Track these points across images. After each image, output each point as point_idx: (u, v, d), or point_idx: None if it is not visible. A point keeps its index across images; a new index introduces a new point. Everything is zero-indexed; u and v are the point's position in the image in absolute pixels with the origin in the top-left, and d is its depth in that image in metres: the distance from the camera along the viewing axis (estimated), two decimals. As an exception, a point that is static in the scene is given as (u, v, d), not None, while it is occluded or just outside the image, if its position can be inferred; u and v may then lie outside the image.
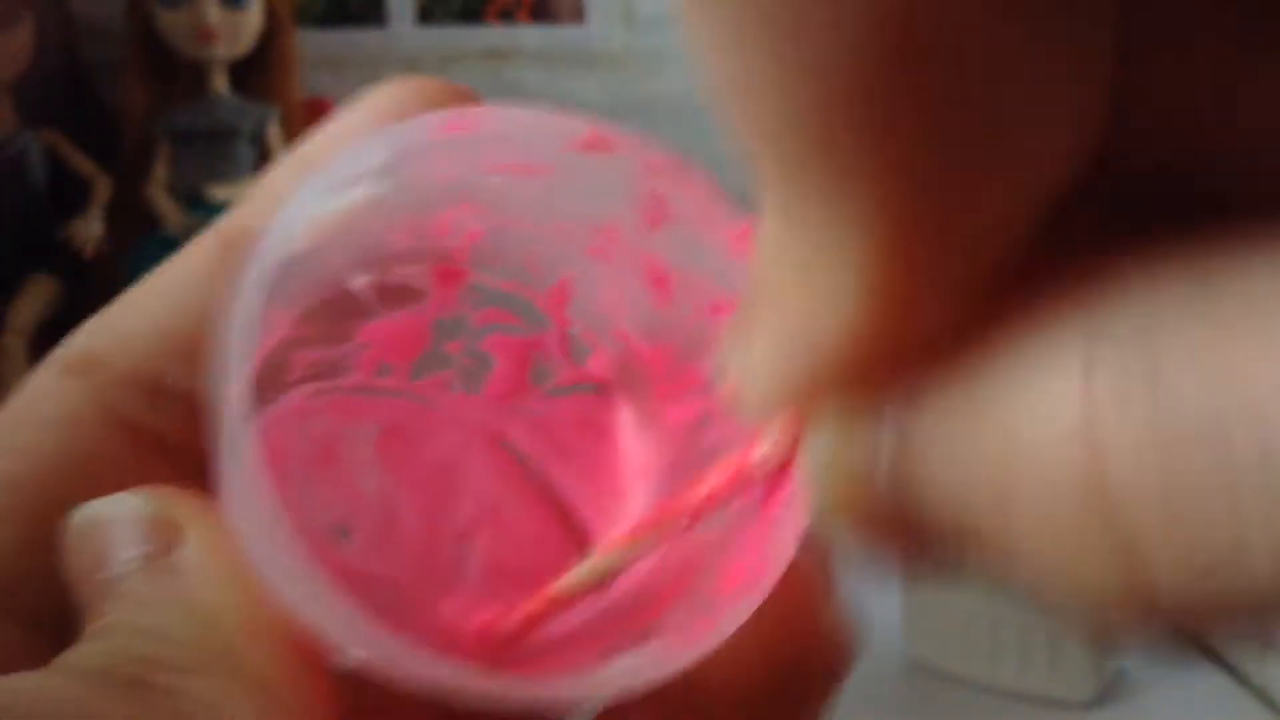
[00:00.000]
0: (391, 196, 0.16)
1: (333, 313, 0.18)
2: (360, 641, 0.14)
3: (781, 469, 0.14)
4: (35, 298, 1.12)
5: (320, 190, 0.16)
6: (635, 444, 0.19)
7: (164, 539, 0.15)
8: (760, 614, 0.15)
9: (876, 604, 0.80)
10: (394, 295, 0.18)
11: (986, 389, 0.10)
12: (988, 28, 0.09)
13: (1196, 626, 0.10)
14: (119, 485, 0.16)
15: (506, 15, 1.31)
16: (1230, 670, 0.75)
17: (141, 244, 1.13)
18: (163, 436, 0.17)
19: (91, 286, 1.15)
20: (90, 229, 1.13)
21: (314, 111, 1.23)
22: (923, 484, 0.11)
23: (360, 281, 0.18)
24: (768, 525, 0.16)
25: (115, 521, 0.15)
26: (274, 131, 1.16)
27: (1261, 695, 0.72)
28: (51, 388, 0.17)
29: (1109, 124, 0.10)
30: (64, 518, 0.16)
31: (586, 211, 0.17)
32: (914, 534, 0.11)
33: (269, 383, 0.17)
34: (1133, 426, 0.09)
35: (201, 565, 0.15)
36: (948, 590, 0.72)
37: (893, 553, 0.12)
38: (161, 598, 0.15)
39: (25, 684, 0.14)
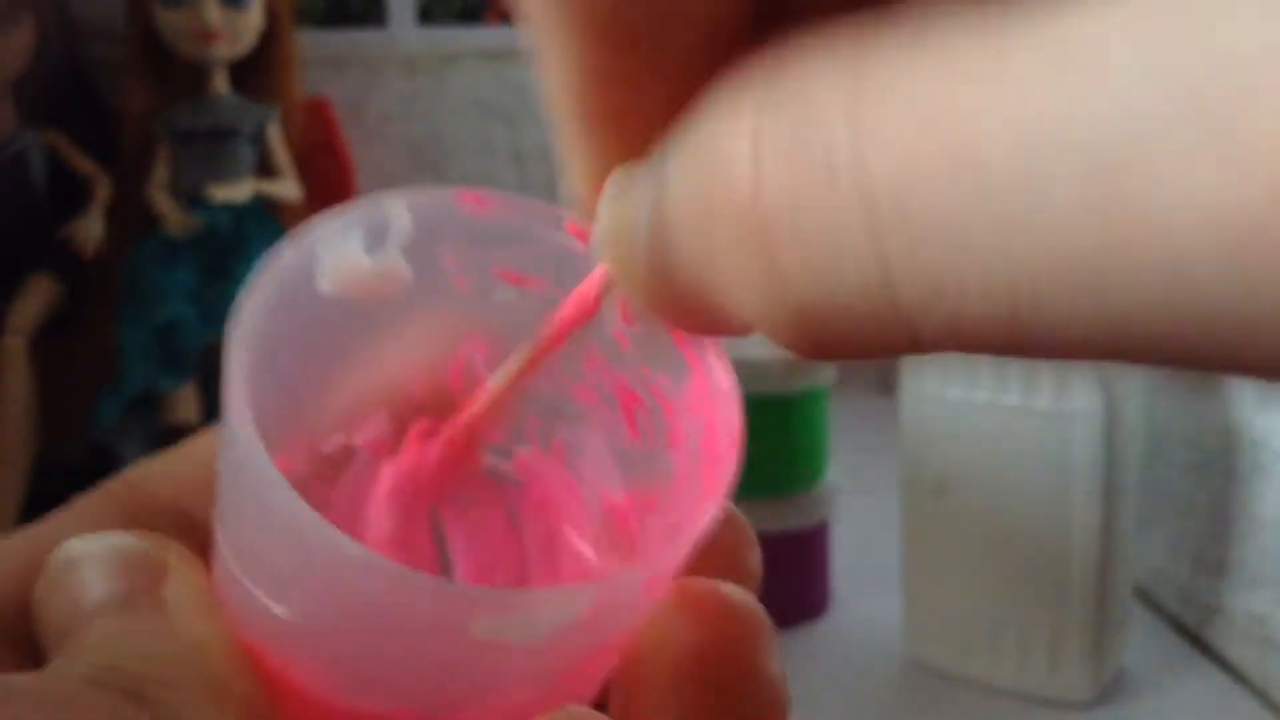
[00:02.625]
0: (411, 293, 0.17)
1: (345, 455, 0.18)
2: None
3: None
4: (35, 298, 1.12)
5: (345, 233, 0.16)
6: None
7: (148, 574, 0.16)
8: (700, 644, 0.16)
9: (876, 604, 0.80)
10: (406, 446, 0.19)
11: (693, 147, 0.13)
12: None
13: (830, 346, 0.12)
14: None
15: (506, 15, 1.31)
16: (1230, 670, 0.75)
17: (141, 244, 1.13)
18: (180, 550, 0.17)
19: (91, 286, 1.15)
20: (90, 229, 1.14)
21: (314, 111, 1.23)
22: (665, 235, 0.13)
23: (375, 427, 0.18)
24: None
25: (96, 555, 0.16)
26: (274, 131, 1.16)
27: (1261, 695, 0.72)
28: (87, 501, 0.18)
29: None
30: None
31: (577, 335, 0.18)
32: (670, 286, 0.14)
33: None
34: (778, 156, 0.11)
35: (188, 600, 0.16)
36: (948, 590, 0.73)
37: (665, 315, 0.14)
38: (142, 627, 0.15)
39: (21, 680, 0.14)
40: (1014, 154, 0.10)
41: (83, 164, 1.15)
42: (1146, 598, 0.84)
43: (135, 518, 0.17)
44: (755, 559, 0.18)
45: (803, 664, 0.75)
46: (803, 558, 0.80)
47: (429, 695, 0.15)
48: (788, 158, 0.11)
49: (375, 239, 0.17)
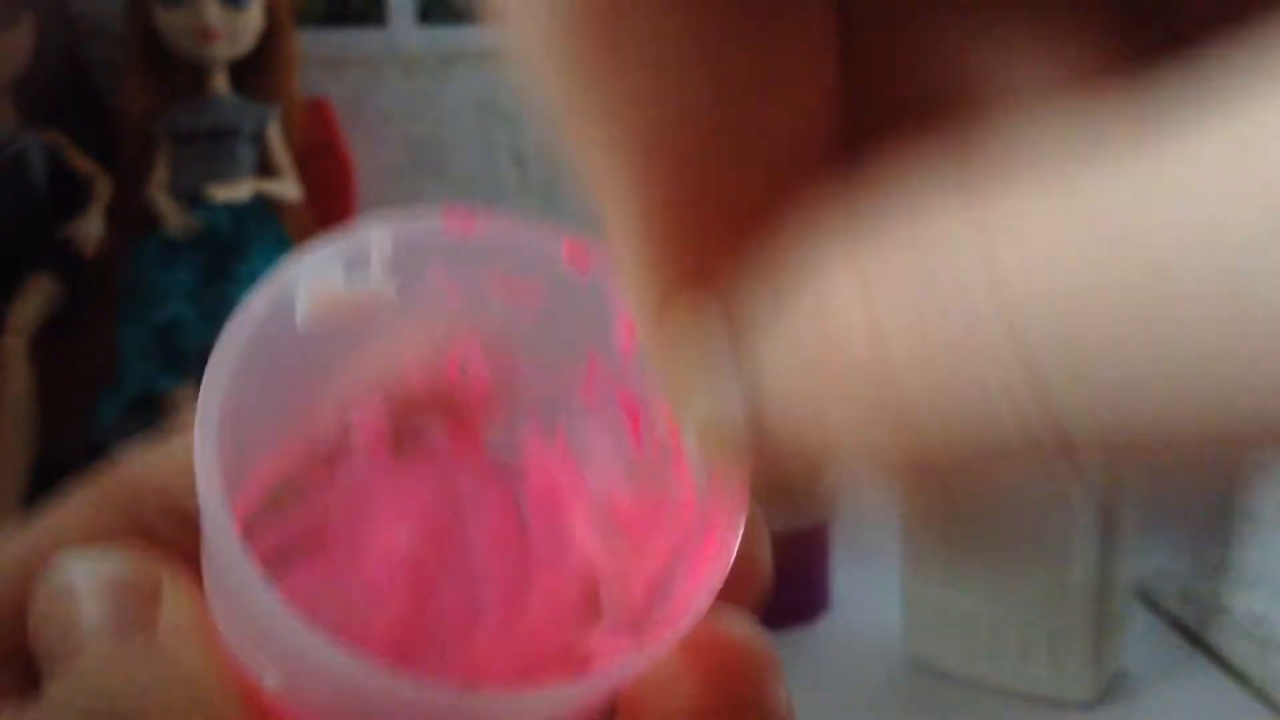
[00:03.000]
0: (400, 306, 0.17)
1: (340, 448, 0.18)
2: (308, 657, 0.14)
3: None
4: (35, 298, 1.12)
5: (325, 262, 0.16)
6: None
7: (142, 598, 0.16)
8: (705, 684, 0.16)
9: (876, 604, 0.80)
10: (408, 444, 0.19)
11: (788, 305, 0.11)
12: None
13: (964, 491, 0.11)
14: None
15: (506, 15, 1.31)
16: (1230, 670, 0.75)
17: (141, 244, 1.13)
18: (176, 548, 0.17)
19: (91, 286, 1.15)
20: (90, 229, 1.13)
21: (314, 111, 1.23)
22: (769, 407, 0.12)
23: (376, 419, 0.18)
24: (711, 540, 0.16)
25: (91, 577, 0.16)
26: (274, 131, 1.16)
27: (1261, 695, 0.72)
28: (83, 496, 0.18)
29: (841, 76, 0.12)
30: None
31: (576, 344, 0.18)
32: (778, 461, 0.12)
33: (281, 502, 0.18)
34: (899, 307, 0.10)
35: (181, 625, 0.16)
36: (948, 590, 0.72)
37: (770, 490, 0.13)
38: (136, 657, 0.15)
39: (10, 717, 0.14)
40: (1207, 269, 0.08)
41: (83, 164, 1.15)
42: (1146, 598, 0.84)
43: (131, 515, 0.17)
44: (765, 552, 0.18)
45: (803, 664, 0.75)
46: (803, 558, 0.80)
47: None
48: (909, 301, 0.10)
49: (355, 266, 0.17)
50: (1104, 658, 0.70)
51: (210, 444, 0.15)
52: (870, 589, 0.82)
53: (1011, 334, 0.09)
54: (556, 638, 0.18)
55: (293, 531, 0.18)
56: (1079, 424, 0.09)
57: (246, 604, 0.14)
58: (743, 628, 0.16)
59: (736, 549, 0.15)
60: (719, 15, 0.11)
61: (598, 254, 0.17)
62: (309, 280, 0.16)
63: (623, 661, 0.15)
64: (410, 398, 0.18)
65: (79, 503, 0.17)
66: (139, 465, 0.18)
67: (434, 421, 0.19)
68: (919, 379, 0.10)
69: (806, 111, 0.12)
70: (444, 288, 0.17)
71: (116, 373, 1.11)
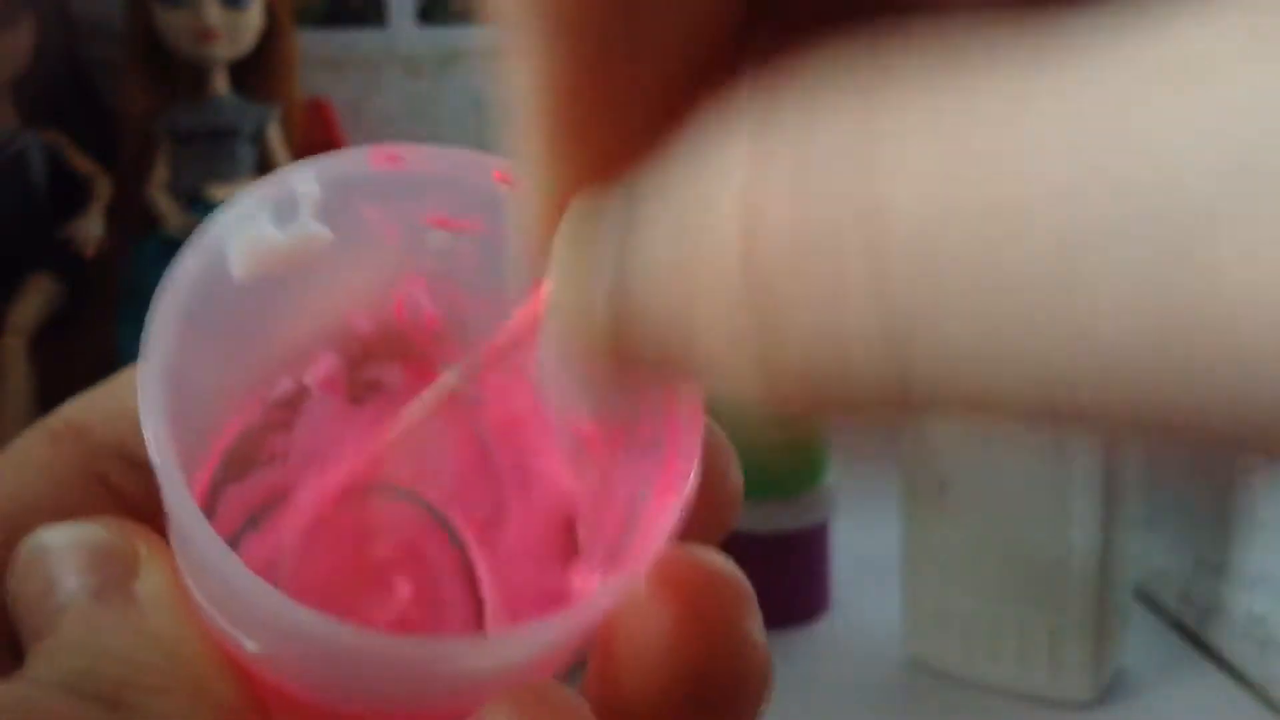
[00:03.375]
0: (337, 248, 0.17)
1: (295, 399, 0.18)
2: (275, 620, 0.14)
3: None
4: (35, 298, 1.12)
5: (252, 211, 0.16)
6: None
7: (116, 567, 0.16)
8: (681, 616, 0.15)
9: (876, 604, 0.80)
10: (364, 389, 0.18)
11: (671, 190, 0.11)
12: None
13: (817, 411, 0.11)
14: None
15: (506, 15, 1.31)
16: (1230, 670, 0.75)
17: (141, 244, 1.13)
18: (141, 503, 0.17)
19: (91, 286, 1.15)
20: (90, 229, 1.13)
21: (314, 111, 1.23)
22: (632, 288, 0.12)
23: (329, 367, 0.18)
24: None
25: (66, 548, 0.16)
26: (274, 131, 1.15)
27: (1261, 695, 0.72)
28: (39, 447, 0.17)
29: None
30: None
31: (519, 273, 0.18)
32: (630, 341, 0.12)
33: (241, 455, 0.18)
34: (778, 207, 0.10)
35: (160, 594, 0.16)
36: (948, 590, 0.72)
37: (619, 365, 0.13)
38: (116, 623, 0.15)
39: None
40: (1060, 215, 0.08)
41: (83, 164, 1.15)
42: (1146, 598, 0.84)
43: (94, 472, 0.17)
44: (735, 473, 0.17)
45: (803, 664, 0.75)
46: (803, 558, 0.80)
47: (409, 705, 0.15)
48: (788, 210, 0.10)
49: (285, 213, 0.16)
50: (1104, 658, 0.70)
51: (159, 415, 0.14)
52: (870, 589, 0.82)
53: (873, 262, 0.09)
54: (534, 574, 0.18)
55: (258, 489, 0.18)
56: (920, 369, 0.09)
57: (214, 574, 0.14)
58: (714, 558, 0.16)
59: (699, 471, 0.15)
60: None
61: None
62: (239, 231, 0.16)
63: (592, 598, 0.15)
64: (360, 342, 0.18)
65: (39, 462, 0.17)
66: (92, 416, 0.18)
67: (387, 364, 0.18)
68: (782, 289, 0.10)
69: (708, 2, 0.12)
70: (380, 225, 0.17)
71: (116, 372, 1.11)
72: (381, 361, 0.18)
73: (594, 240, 0.12)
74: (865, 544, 0.85)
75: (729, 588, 0.16)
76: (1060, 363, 0.08)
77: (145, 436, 0.14)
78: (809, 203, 0.10)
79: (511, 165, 0.16)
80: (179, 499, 0.14)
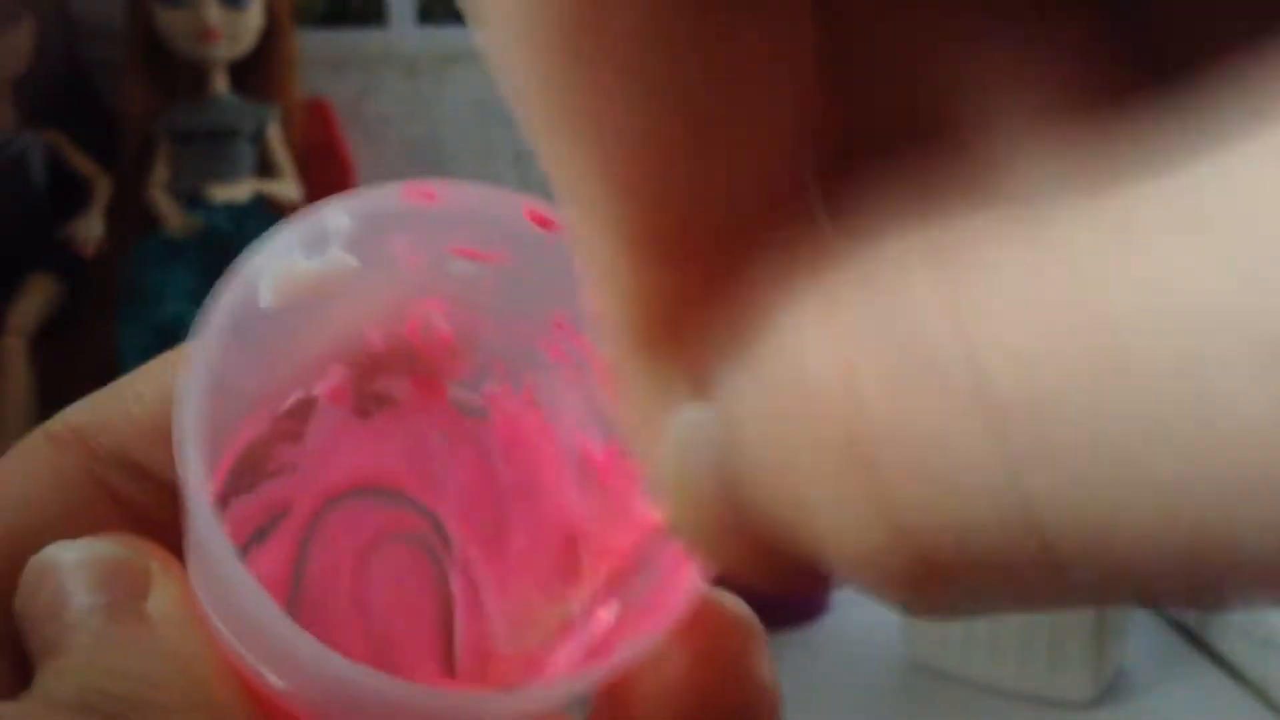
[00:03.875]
0: (362, 274, 0.17)
1: (304, 410, 0.18)
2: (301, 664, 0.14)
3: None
4: (35, 298, 1.12)
5: (286, 247, 0.16)
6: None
7: (128, 585, 0.16)
8: (695, 659, 0.16)
9: (876, 604, 0.80)
10: (373, 402, 0.19)
11: (758, 356, 0.10)
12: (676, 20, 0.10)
13: (967, 597, 0.10)
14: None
15: (506, 15, 1.31)
16: (1230, 670, 0.75)
17: (141, 244, 1.13)
18: (146, 510, 0.17)
19: (91, 286, 1.15)
20: (90, 229, 1.14)
21: (314, 112, 1.23)
22: (738, 475, 0.11)
23: (337, 379, 0.18)
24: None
25: (77, 565, 0.16)
26: (274, 131, 1.16)
27: (1261, 695, 0.72)
28: (42, 453, 0.17)
29: (820, 90, 0.11)
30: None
31: (541, 303, 0.18)
32: (750, 533, 0.11)
33: (249, 469, 0.18)
34: (880, 367, 0.09)
35: (172, 612, 0.15)
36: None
37: (745, 566, 0.12)
38: (128, 641, 0.15)
39: (7, 711, 0.14)
40: (1162, 340, 0.08)
41: (83, 164, 1.15)
42: (1146, 598, 0.84)
43: (95, 479, 0.17)
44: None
45: (803, 664, 0.75)
46: (803, 558, 0.80)
47: None
48: (887, 368, 0.09)
49: (315, 246, 0.17)
50: (1104, 658, 0.70)
51: (196, 450, 0.14)
52: (870, 589, 0.82)
53: (983, 408, 0.08)
54: (535, 590, 0.18)
55: (265, 501, 0.18)
56: (1056, 519, 0.08)
57: (244, 615, 0.14)
58: (727, 600, 0.16)
59: None
60: (682, 27, 0.10)
61: (560, 215, 0.17)
62: (272, 262, 0.16)
63: (622, 653, 0.15)
64: (371, 356, 0.18)
65: (43, 469, 0.17)
66: (95, 422, 0.18)
67: (396, 378, 0.19)
68: (893, 441, 0.09)
69: (779, 136, 0.11)
70: (404, 254, 0.17)
71: (116, 372, 1.11)
72: (391, 375, 0.18)
73: (695, 434, 0.11)
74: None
75: (742, 630, 0.16)
76: (1196, 507, 0.08)
77: (181, 471, 0.14)
78: (908, 360, 0.09)
79: (560, 214, 0.16)
80: (211, 532, 0.14)
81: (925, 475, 0.09)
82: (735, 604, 0.16)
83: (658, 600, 0.15)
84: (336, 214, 0.17)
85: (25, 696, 0.14)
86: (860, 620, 0.80)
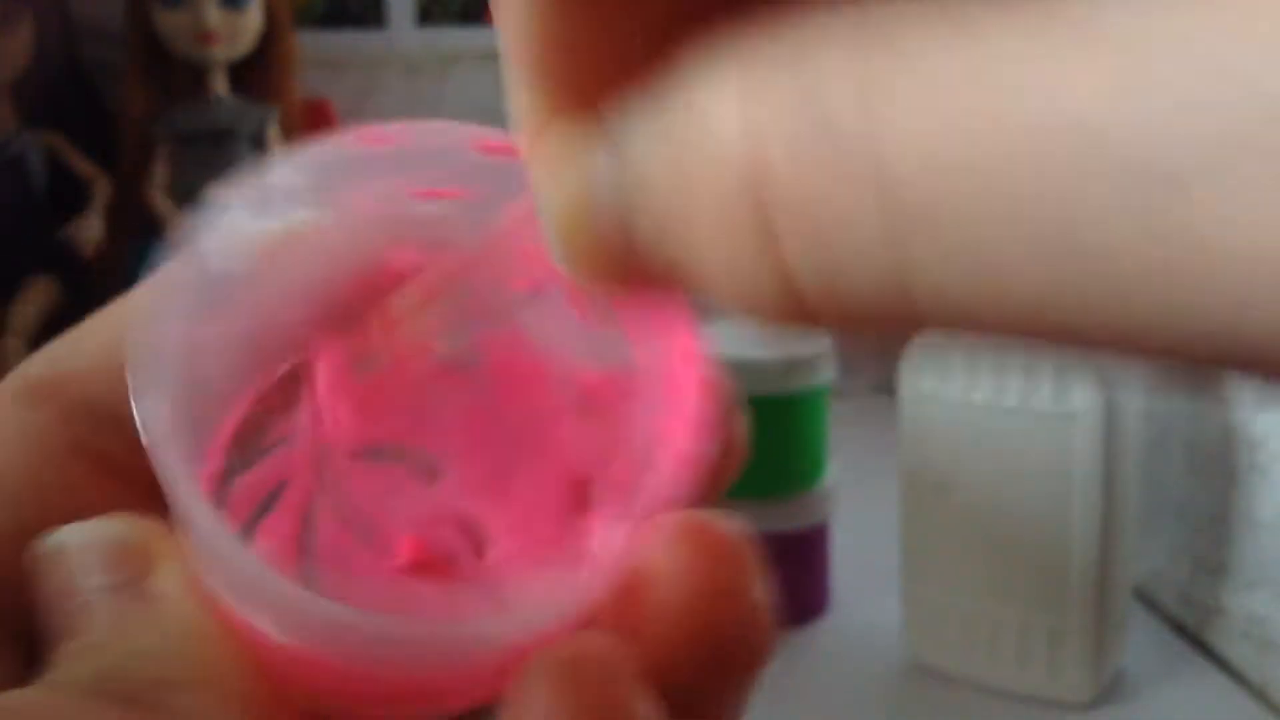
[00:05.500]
0: (324, 230, 0.17)
1: (293, 379, 0.18)
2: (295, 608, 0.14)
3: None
4: (35, 298, 1.12)
5: (247, 206, 0.16)
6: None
7: (136, 565, 0.16)
8: (692, 586, 0.16)
9: (876, 604, 0.80)
10: (360, 362, 0.18)
11: (669, 108, 0.11)
12: None
13: (823, 325, 0.11)
14: (85, 508, 0.16)
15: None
16: (1230, 670, 0.75)
17: (141, 245, 1.13)
18: (123, 462, 0.17)
19: (91, 287, 1.15)
20: (90, 230, 1.14)
21: (314, 113, 1.23)
22: (629, 212, 0.12)
23: (321, 344, 0.18)
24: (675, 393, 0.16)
25: (85, 547, 0.16)
26: (274, 133, 1.16)
27: (1261, 695, 0.72)
28: (10, 410, 0.17)
29: None
30: (31, 536, 0.16)
31: (505, 234, 0.18)
32: (634, 266, 0.12)
33: (246, 444, 0.18)
34: (777, 134, 0.10)
35: (176, 589, 0.15)
36: (948, 590, 0.73)
37: (617, 289, 0.13)
38: (140, 621, 0.15)
39: (18, 699, 0.14)
40: (1045, 153, 0.08)
41: (82, 165, 1.15)
42: (1146, 598, 0.84)
43: (72, 437, 0.17)
44: (739, 427, 0.17)
45: (803, 664, 0.75)
46: (803, 558, 0.80)
47: (439, 680, 0.15)
48: (787, 130, 0.10)
49: (262, 204, 0.16)
50: (1104, 658, 0.70)
51: (161, 419, 0.14)
52: (870, 589, 0.82)
53: (874, 180, 0.09)
54: (549, 528, 0.18)
55: (267, 473, 0.18)
56: (922, 275, 0.09)
57: (232, 570, 0.14)
58: (726, 520, 0.16)
59: (711, 417, 0.15)
60: None
61: (512, 142, 0.17)
62: (218, 230, 0.16)
63: (607, 550, 0.15)
64: (352, 317, 0.18)
65: (19, 429, 0.17)
66: (54, 374, 0.17)
67: (383, 337, 0.18)
68: (785, 212, 0.10)
69: None
70: (364, 202, 0.17)
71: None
72: (373, 332, 0.18)
73: (585, 163, 0.12)
74: (865, 544, 0.85)
75: (743, 548, 0.16)
76: (1061, 282, 0.09)
77: (147, 442, 0.14)
78: (809, 125, 0.10)
79: (512, 141, 0.16)
80: (192, 500, 0.14)
81: (815, 237, 0.10)
82: (734, 523, 0.16)
83: (647, 498, 0.15)
84: (284, 171, 0.16)
85: (37, 681, 0.14)
86: (860, 620, 0.80)
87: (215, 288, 0.16)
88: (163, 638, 0.15)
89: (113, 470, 0.17)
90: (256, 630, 0.15)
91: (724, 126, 0.10)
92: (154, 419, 0.14)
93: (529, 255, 0.17)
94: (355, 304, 0.18)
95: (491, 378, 0.19)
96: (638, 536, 0.15)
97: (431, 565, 0.18)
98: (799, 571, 0.80)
